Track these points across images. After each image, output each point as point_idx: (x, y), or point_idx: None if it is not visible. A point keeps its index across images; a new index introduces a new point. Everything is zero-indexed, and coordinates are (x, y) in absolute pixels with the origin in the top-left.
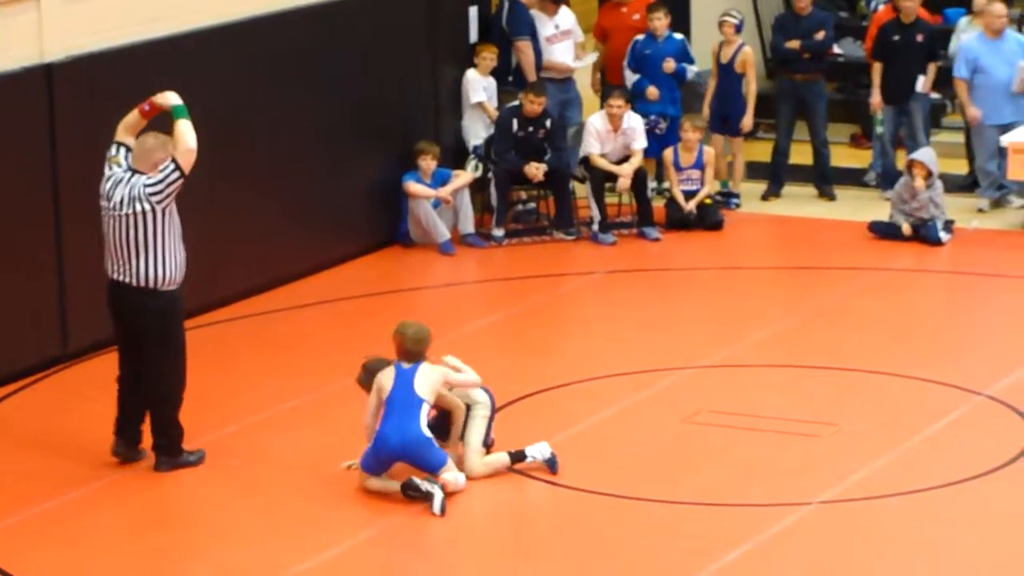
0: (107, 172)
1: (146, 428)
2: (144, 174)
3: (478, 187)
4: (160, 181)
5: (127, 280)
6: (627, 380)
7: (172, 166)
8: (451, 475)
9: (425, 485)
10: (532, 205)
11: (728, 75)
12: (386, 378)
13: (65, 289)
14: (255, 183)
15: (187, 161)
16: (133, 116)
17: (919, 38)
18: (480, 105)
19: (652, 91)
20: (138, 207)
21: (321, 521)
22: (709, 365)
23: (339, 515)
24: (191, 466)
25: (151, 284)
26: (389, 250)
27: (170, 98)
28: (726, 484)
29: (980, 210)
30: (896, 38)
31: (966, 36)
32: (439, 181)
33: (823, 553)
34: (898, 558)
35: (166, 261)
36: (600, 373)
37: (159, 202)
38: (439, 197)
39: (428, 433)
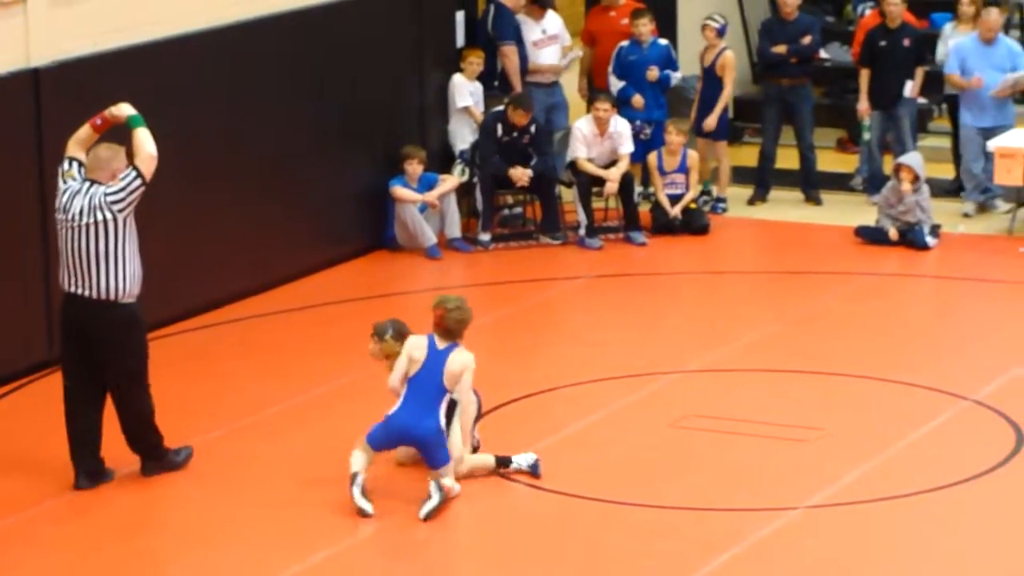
0: (61, 186)
1: (105, 454)
2: (103, 184)
3: (464, 191)
4: (122, 189)
5: (86, 293)
6: (614, 384)
7: (133, 173)
8: (448, 481)
9: (431, 488)
10: (519, 209)
11: (710, 79)
12: (418, 350)
13: (51, 293)
14: (241, 188)
15: (148, 168)
16: (85, 131)
17: (906, 43)
18: (466, 110)
19: (637, 100)
20: (99, 216)
21: (307, 525)
22: (696, 369)
23: (325, 519)
24: (179, 467)
25: (111, 296)
26: (376, 254)
27: (124, 109)
28: (713, 488)
29: (966, 214)
30: (883, 43)
31: (953, 41)
32: (426, 185)
33: (810, 557)
34: (885, 562)
35: (126, 272)
36: (587, 377)
37: (120, 210)
38: (426, 201)
39: (444, 426)
